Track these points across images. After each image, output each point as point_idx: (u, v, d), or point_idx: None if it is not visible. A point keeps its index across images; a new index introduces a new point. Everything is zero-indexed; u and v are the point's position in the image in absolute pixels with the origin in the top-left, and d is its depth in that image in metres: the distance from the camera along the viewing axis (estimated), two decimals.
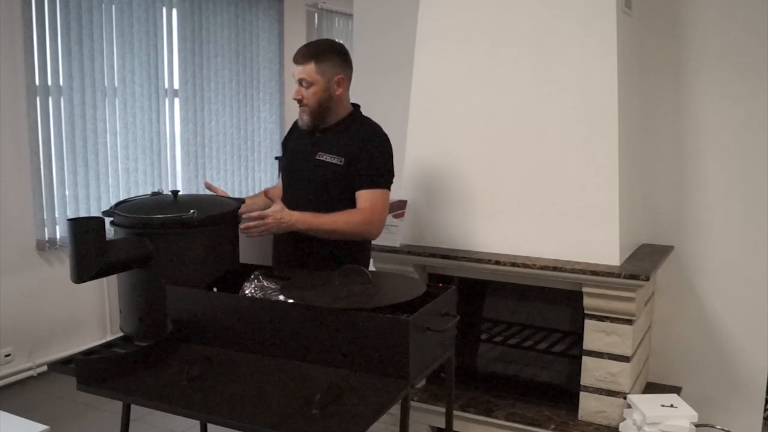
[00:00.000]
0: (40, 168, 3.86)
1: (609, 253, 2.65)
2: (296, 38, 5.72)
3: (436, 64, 2.97)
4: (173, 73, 4.64)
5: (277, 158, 2.74)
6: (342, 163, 2.37)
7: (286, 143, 2.64)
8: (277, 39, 5.51)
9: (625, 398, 2.63)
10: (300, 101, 2.39)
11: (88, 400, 3.36)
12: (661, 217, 3.10)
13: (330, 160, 2.38)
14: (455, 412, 2.52)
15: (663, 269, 2.99)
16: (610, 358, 2.64)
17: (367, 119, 2.49)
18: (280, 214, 2.21)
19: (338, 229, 2.31)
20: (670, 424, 2.45)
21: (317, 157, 2.41)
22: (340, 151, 2.38)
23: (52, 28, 3.83)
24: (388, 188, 2.42)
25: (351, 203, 2.39)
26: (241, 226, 2.19)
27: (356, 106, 2.50)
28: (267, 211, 2.20)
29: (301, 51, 2.38)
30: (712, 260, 3.02)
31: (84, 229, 1.83)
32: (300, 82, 2.36)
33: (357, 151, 2.37)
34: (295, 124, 2.61)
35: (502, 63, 2.83)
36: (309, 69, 2.34)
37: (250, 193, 5.31)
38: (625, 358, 2.62)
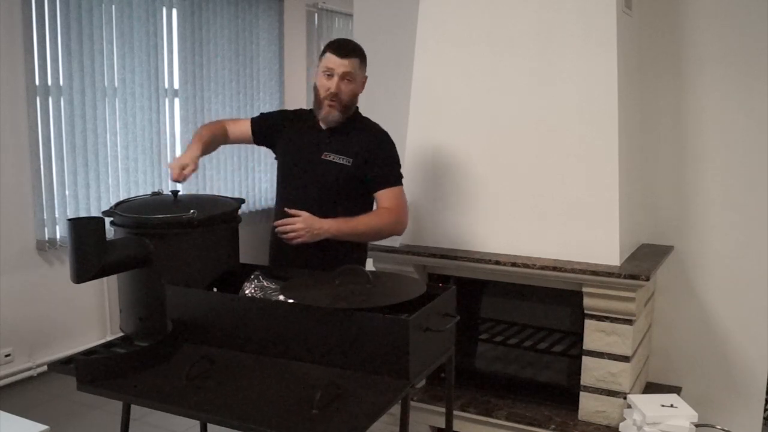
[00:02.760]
0: (40, 168, 3.86)
1: (609, 253, 2.65)
2: (296, 38, 5.72)
3: (436, 64, 2.96)
4: (173, 73, 4.64)
5: (258, 117, 2.67)
6: (350, 164, 2.38)
7: (277, 124, 2.56)
8: (277, 39, 5.50)
9: (625, 398, 2.64)
10: (337, 95, 2.34)
11: (88, 400, 3.36)
12: (661, 217, 3.10)
13: (337, 161, 2.38)
14: (455, 412, 2.53)
15: (663, 269, 2.99)
16: (610, 358, 2.64)
17: (368, 120, 2.50)
18: (311, 221, 2.21)
19: (371, 231, 2.35)
20: (670, 424, 2.45)
21: (323, 157, 2.40)
22: (347, 151, 2.39)
23: (52, 28, 3.83)
24: (402, 185, 2.46)
25: (356, 203, 2.39)
26: (277, 228, 2.21)
27: (356, 107, 2.51)
28: (297, 217, 2.21)
29: (347, 45, 2.37)
30: (712, 260, 3.02)
31: (84, 229, 1.83)
32: (344, 76, 2.33)
33: (368, 153, 2.39)
34: (294, 115, 2.58)
35: (502, 63, 2.83)
36: (354, 64, 2.35)
37: (251, 193, 5.34)
38: (625, 358, 2.62)
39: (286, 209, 2.30)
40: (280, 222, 2.23)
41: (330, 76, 2.34)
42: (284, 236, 2.22)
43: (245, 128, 2.58)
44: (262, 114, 2.64)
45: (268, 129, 2.57)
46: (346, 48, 2.35)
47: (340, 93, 2.34)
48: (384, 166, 2.40)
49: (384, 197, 2.39)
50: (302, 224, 2.20)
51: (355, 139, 2.41)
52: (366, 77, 2.44)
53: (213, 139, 2.51)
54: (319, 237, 2.23)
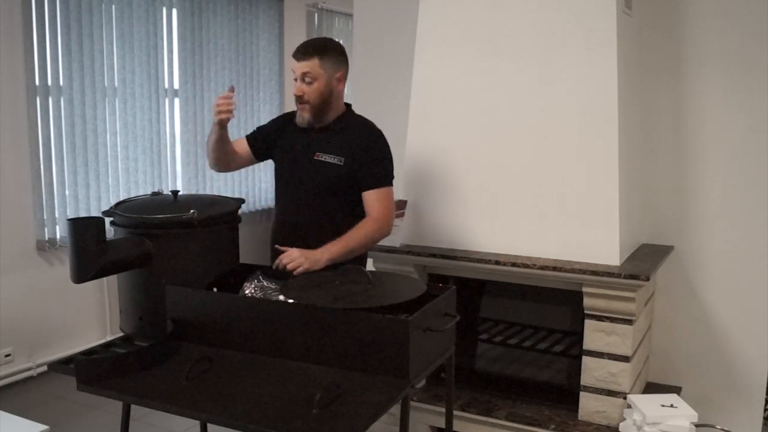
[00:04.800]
0: (40, 168, 3.86)
1: (609, 253, 2.65)
2: (296, 38, 5.71)
3: (436, 64, 2.96)
4: (173, 73, 4.64)
5: (252, 132, 2.63)
6: (342, 163, 2.36)
7: (271, 133, 2.53)
8: (277, 39, 5.51)
9: (625, 398, 2.64)
10: (301, 98, 2.35)
11: (88, 400, 3.36)
12: (661, 217, 3.10)
13: (330, 161, 2.37)
14: (455, 412, 2.52)
15: (663, 269, 2.99)
16: (610, 358, 2.64)
17: (361, 117, 2.49)
18: (306, 252, 2.17)
19: (364, 244, 2.32)
20: (670, 424, 2.45)
21: (316, 158, 2.39)
22: (339, 150, 2.38)
23: (52, 28, 3.83)
24: (392, 185, 2.44)
25: (351, 203, 2.39)
26: (279, 265, 2.17)
27: (348, 105, 2.49)
28: (292, 249, 2.18)
29: (303, 46, 2.36)
30: (712, 260, 3.02)
31: (84, 229, 1.83)
32: (303, 77, 2.32)
33: (360, 152, 2.37)
34: (284, 120, 2.55)
35: (502, 63, 2.83)
36: (313, 64, 2.31)
37: (251, 193, 5.34)
38: (625, 358, 2.62)
39: (276, 246, 2.26)
40: (278, 260, 2.18)
41: (295, 79, 2.35)
42: (287, 268, 2.17)
43: (242, 146, 2.54)
44: (258, 128, 2.60)
45: (264, 141, 2.53)
46: (304, 49, 2.34)
47: (303, 95, 2.34)
48: (374, 166, 2.38)
49: (371, 199, 2.37)
50: (299, 252, 2.17)
51: (348, 138, 2.39)
52: (340, 72, 2.37)
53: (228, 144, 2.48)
54: (319, 265, 2.17)
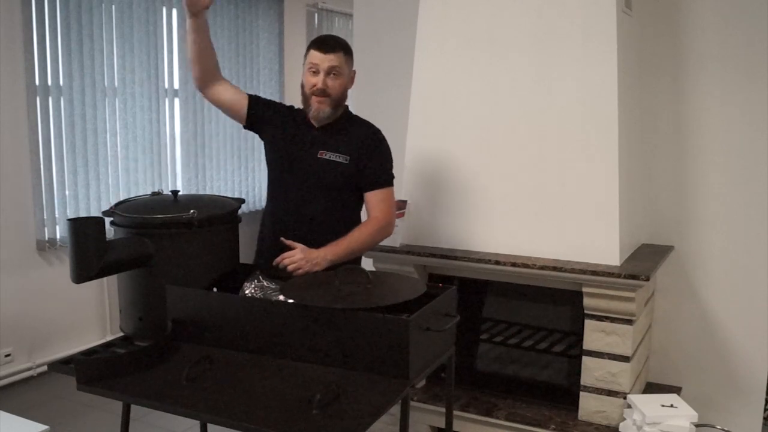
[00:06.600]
0: (40, 168, 3.86)
1: (609, 253, 2.65)
2: (296, 38, 5.72)
3: (436, 64, 2.97)
4: (173, 73, 4.64)
5: (255, 98, 2.49)
6: (347, 162, 2.35)
7: (273, 113, 2.47)
8: (277, 39, 5.50)
9: (625, 398, 2.64)
10: (324, 91, 2.30)
11: (88, 400, 3.36)
12: (661, 217, 3.10)
13: (335, 159, 2.35)
14: (455, 412, 2.53)
15: (663, 269, 2.99)
16: (610, 358, 2.64)
17: (359, 117, 2.48)
18: (308, 252, 2.17)
19: (366, 245, 2.33)
20: (670, 424, 2.45)
21: (320, 156, 2.37)
22: (344, 149, 2.36)
23: (52, 28, 3.83)
24: (393, 185, 2.44)
25: (355, 201, 2.39)
26: (278, 263, 2.17)
27: (346, 105, 2.48)
28: (294, 249, 2.18)
29: (331, 40, 2.34)
30: (712, 260, 3.02)
31: (84, 229, 1.83)
32: (330, 71, 2.29)
33: (364, 151, 2.36)
34: (288, 110, 2.49)
35: (502, 63, 2.83)
36: (340, 58, 2.31)
37: (251, 194, 5.34)
38: (625, 358, 2.62)
39: (282, 239, 2.24)
40: (279, 258, 2.20)
41: (315, 72, 2.30)
42: (287, 269, 2.17)
43: (243, 101, 2.44)
44: (259, 97, 2.50)
45: (264, 115, 2.46)
46: (330, 43, 2.32)
47: (327, 88, 2.30)
48: (378, 166, 2.38)
49: (374, 200, 2.37)
50: (301, 254, 2.16)
51: (352, 137, 2.38)
52: (354, 72, 2.41)
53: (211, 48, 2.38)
54: (319, 267, 2.17)
